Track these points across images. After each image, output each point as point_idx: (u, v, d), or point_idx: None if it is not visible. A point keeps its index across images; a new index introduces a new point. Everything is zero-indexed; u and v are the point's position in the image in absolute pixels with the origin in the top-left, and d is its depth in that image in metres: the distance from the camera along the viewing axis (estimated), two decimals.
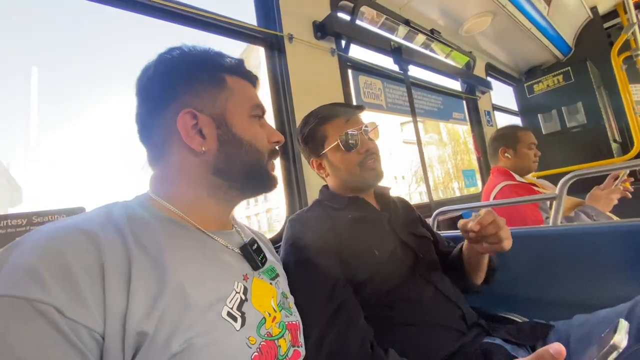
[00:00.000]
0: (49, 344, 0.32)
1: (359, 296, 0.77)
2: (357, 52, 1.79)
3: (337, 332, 0.68)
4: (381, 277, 0.80)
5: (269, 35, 1.35)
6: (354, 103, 1.73)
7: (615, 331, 0.63)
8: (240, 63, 0.60)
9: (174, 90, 0.53)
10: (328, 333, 0.67)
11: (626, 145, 2.85)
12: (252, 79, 0.62)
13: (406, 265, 0.85)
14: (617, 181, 1.48)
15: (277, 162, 0.65)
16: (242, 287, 0.50)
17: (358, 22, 1.72)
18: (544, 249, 1.04)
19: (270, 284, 0.58)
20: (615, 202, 1.46)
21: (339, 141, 0.90)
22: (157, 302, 0.39)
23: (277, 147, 0.63)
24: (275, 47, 1.37)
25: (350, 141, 0.90)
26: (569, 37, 3.14)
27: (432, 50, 2.34)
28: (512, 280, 0.95)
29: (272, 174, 0.61)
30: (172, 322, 0.39)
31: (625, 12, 2.53)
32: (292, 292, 0.66)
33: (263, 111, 0.61)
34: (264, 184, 0.60)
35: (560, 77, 2.97)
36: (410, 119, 1.95)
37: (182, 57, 0.55)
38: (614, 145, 2.74)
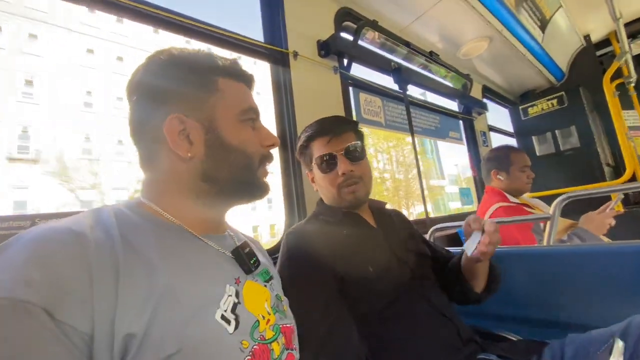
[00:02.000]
0: (39, 344, 0.32)
1: (354, 312, 0.77)
2: (356, 67, 1.84)
3: (332, 350, 0.68)
4: (376, 293, 0.80)
5: (275, 52, 1.40)
6: (354, 119, 1.76)
7: (610, 352, 0.64)
8: (233, 64, 0.58)
9: (161, 94, 0.53)
10: (323, 350, 0.67)
11: (618, 169, 2.91)
12: (247, 80, 0.61)
13: (401, 281, 0.85)
14: (611, 205, 1.50)
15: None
16: (234, 290, 0.49)
17: (360, 41, 1.79)
18: (539, 269, 1.05)
19: (265, 286, 0.58)
20: (608, 226, 1.48)
21: (314, 163, 0.93)
22: (147, 303, 0.39)
23: (271, 151, 0.61)
24: (280, 62, 1.41)
25: (325, 164, 0.91)
26: (562, 63, 3.25)
27: (430, 70, 2.41)
28: (507, 299, 0.96)
29: (262, 180, 0.59)
30: (162, 325, 0.39)
31: (618, 41, 2.63)
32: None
33: (257, 113, 0.60)
34: (253, 191, 0.58)
35: (555, 101, 3.05)
36: None
37: (170, 61, 0.54)
38: (606, 169, 2.79)
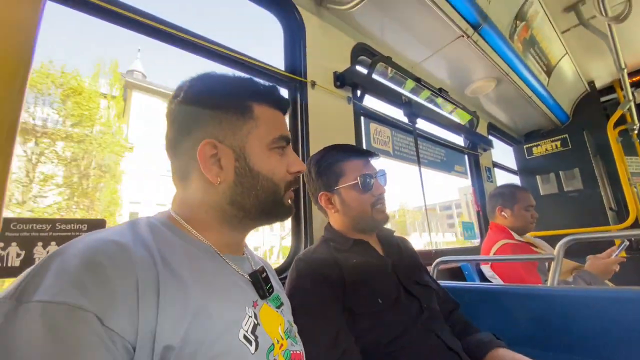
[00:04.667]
0: (88, 349, 0.33)
1: (361, 344, 0.77)
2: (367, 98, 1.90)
3: None
4: (384, 325, 0.81)
5: (295, 80, 1.48)
6: (364, 147, 1.82)
7: None
8: (271, 90, 0.60)
9: (198, 118, 0.55)
10: None
11: (622, 214, 2.92)
12: (282, 107, 0.62)
13: (409, 314, 0.85)
14: (616, 252, 1.49)
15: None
16: (253, 312, 0.51)
17: (373, 75, 1.87)
18: (542, 309, 1.06)
19: (277, 311, 0.59)
20: (613, 272, 1.46)
21: (358, 180, 0.94)
22: (183, 320, 0.41)
23: (297, 177, 0.63)
24: (298, 90, 1.49)
25: (368, 183, 0.95)
26: (567, 106, 3.33)
27: (438, 105, 2.50)
28: (510, 337, 0.96)
29: (287, 204, 0.61)
30: (195, 340, 0.41)
31: (622, 89, 2.70)
32: None
33: (288, 141, 0.60)
34: (278, 215, 0.60)
35: (558, 143, 3.11)
36: None
37: (210, 85, 0.57)
38: (609, 213, 2.80)
